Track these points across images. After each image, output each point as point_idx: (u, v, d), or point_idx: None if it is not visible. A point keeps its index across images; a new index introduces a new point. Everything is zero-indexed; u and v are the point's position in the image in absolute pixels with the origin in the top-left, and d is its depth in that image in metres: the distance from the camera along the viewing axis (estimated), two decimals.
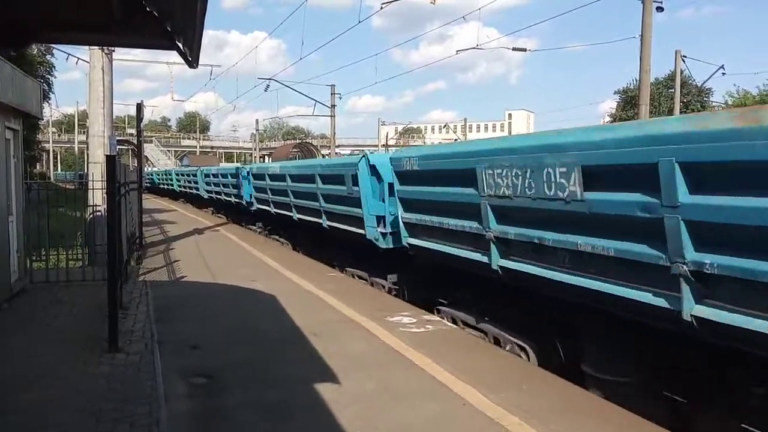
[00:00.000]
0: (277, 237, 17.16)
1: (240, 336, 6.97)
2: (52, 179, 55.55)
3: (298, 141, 79.65)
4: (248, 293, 9.40)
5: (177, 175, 38.56)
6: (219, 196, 23.21)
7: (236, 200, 19.62)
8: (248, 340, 6.82)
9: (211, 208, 27.34)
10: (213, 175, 24.25)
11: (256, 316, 8.01)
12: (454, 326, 7.48)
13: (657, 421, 4.54)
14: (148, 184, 46.88)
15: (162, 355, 6.10)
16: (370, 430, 4.40)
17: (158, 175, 50.08)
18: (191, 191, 31.39)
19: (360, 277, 10.46)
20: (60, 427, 4.36)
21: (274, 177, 14.26)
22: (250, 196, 17.19)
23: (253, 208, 17.26)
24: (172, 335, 6.90)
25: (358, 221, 9.10)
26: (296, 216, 12.81)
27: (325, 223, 10.91)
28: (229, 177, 20.49)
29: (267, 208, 15.56)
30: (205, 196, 26.86)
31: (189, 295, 9.49)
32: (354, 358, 6.08)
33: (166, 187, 42.87)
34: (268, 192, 14.89)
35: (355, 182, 8.92)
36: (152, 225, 20.56)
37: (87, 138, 12.92)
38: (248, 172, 17.32)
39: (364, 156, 8.89)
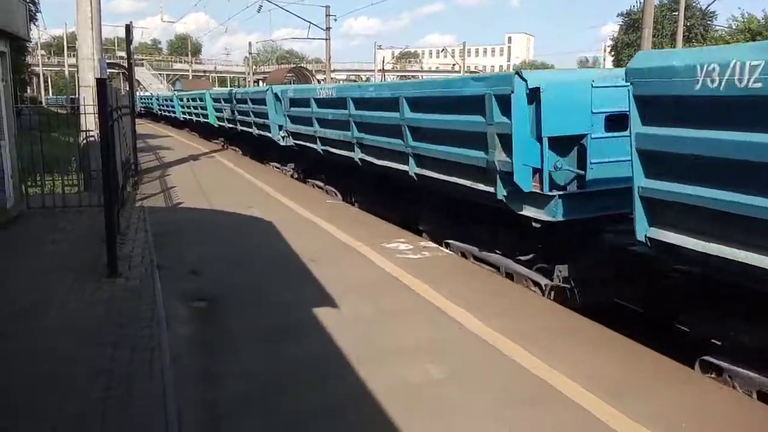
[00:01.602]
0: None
1: (239, 261, 7.03)
2: (43, 104, 54.67)
3: (292, 65, 78.06)
4: (246, 220, 9.42)
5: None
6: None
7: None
8: (247, 265, 6.88)
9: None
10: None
11: (254, 242, 8.05)
12: (450, 253, 7.53)
13: None
14: (143, 110, 45.50)
15: (162, 280, 6.15)
16: (369, 352, 4.50)
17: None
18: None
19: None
20: (60, 353, 4.43)
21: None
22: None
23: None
24: (171, 260, 6.94)
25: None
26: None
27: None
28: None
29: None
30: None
31: (187, 221, 9.50)
32: (351, 284, 6.15)
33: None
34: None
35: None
36: (147, 151, 20.36)
37: (77, 61, 12.57)
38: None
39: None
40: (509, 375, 4.16)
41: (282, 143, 14.17)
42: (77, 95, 13.51)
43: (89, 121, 10.79)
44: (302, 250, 7.37)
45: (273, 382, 4.06)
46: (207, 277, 6.40)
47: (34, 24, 38.76)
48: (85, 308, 5.36)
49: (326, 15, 38.66)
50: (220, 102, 20.84)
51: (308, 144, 12.31)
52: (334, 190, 12.32)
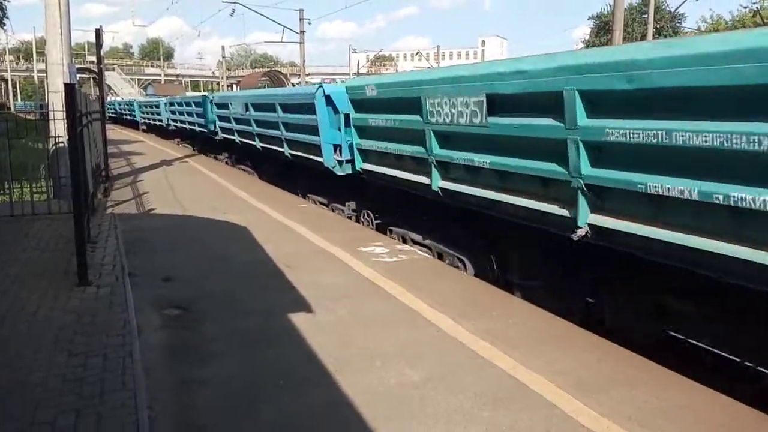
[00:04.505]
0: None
1: (213, 268, 6.94)
2: (12, 110, 53.66)
3: (266, 69, 77.77)
4: (219, 225, 9.32)
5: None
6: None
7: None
8: (221, 271, 6.80)
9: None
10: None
11: (228, 248, 7.96)
12: (427, 255, 7.54)
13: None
14: (112, 115, 44.84)
15: (134, 288, 6.05)
16: (346, 356, 4.47)
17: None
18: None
19: None
20: (31, 362, 4.32)
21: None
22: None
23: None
24: (143, 268, 6.83)
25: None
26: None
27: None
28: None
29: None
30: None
31: (159, 227, 9.37)
32: (327, 289, 6.11)
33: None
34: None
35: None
36: (118, 156, 20.11)
37: (46, 66, 12.35)
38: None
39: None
40: (486, 376, 4.16)
41: (217, 138, 17.78)
42: (46, 101, 13.27)
43: (58, 127, 10.60)
44: (278, 256, 7.31)
45: (249, 391, 4.00)
46: (181, 284, 6.30)
47: (2, 29, 38.12)
48: (56, 317, 5.24)
49: (300, 18, 38.61)
50: (173, 106, 25.03)
51: (231, 137, 15.94)
52: (252, 170, 16.32)
